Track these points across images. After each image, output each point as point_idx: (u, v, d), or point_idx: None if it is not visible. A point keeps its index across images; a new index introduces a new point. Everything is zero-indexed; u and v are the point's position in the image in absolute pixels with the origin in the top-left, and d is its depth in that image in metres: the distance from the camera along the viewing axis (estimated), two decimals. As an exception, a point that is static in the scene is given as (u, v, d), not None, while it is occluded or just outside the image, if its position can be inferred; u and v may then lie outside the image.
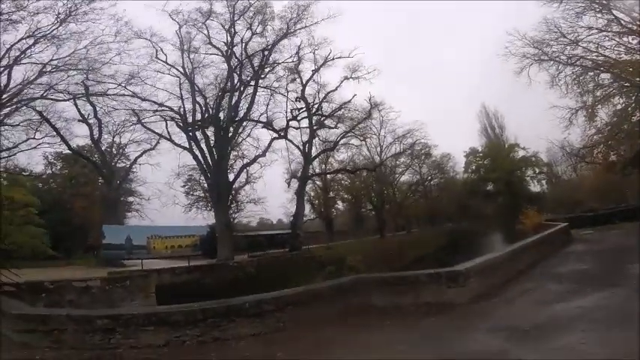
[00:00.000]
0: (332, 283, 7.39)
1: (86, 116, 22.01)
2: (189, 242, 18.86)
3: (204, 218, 29.31)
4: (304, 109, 25.34)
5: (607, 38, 18.43)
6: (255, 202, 30.84)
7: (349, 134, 27.46)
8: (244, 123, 23.16)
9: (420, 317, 6.18)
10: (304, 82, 25.58)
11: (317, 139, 27.56)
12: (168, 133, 22.40)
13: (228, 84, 21.86)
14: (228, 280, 16.00)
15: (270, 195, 31.10)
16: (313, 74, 25.30)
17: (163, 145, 23.77)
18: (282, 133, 24.36)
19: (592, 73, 18.45)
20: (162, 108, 21.99)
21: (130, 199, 29.59)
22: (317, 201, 39.36)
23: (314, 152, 27.25)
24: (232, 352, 5.26)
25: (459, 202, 55.75)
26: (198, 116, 22.04)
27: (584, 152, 20.87)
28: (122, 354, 4.96)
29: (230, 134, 21.90)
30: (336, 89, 25.24)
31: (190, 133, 21.39)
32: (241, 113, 22.46)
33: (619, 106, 18.23)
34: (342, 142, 28.57)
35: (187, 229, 20.36)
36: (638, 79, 16.93)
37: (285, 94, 24.81)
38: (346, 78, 24.89)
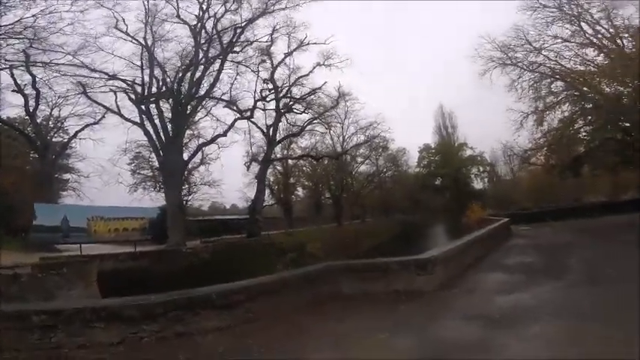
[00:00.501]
0: (302, 271, 7.08)
1: (23, 86, 19.85)
2: (137, 225, 17.00)
3: (151, 200, 27.18)
4: (272, 91, 24.26)
5: (567, 48, 20.10)
6: (210, 185, 29.40)
7: (315, 121, 27.00)
8: (205, 100, 21.52)
9: (391, 305, 6.15)
10: (275, 65, 24.54)
11: (281, 123, 26.69)
12: (118, 106, 20.26)
13: (192, 59, 20.06)
14: (180, 268, 14.89)
15: (225, 178, 29.70)
16: (286, 57, 24.35)
17: (109, 120, 21.53)
18: (249, 114, 23.10)
19: (548, 80, 19.98)
20: (114, 79, 19.71)
21: (67, 176, 26.20)
22: (277, 186, 38.57)
23: (278, 136, 26.34)
24: (200, 347, 4.73)
25: (411, 194, 58.75)
26: (156, 91, 20.10)
27: (529, 154, 22.77)
28: (68, 354, 4.18)
29: (188, 111, 20.19)
30: (308, 74, 24.60)
31: (144, 107, 19.34)
32: (203, 92, 20.82)
33: (566, 114, 20.05)
34: (307, 128, 28.07)
35: (135, 211, 18.42)
36: (585, 88, 18.68)
37: (255, 73, 23.60)
38: (319, 64, 24.27)
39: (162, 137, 19.62)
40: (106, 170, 22.58)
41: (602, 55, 19.53)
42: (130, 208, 19.39)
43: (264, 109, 24.64)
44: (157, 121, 19.63)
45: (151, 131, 19.71)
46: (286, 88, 24.92)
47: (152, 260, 14.40)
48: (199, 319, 5.23)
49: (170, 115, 20.56)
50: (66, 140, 23.67)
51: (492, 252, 12.58)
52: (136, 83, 20.13)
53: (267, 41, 23.08)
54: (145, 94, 19.47)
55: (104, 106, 20.28)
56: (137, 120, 19.91)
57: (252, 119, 25.35)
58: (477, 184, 57.46)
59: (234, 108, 22.91)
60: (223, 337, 5.07)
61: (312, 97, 25.14)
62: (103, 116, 21.32)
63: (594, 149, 20.16)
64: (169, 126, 19.64)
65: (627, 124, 18.52)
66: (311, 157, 31.14)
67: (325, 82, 24.74)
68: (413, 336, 4.80)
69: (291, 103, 25.13)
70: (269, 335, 5.11)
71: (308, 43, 23.45)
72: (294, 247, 21.27)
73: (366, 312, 5.94)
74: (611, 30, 18.84)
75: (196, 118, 22.50)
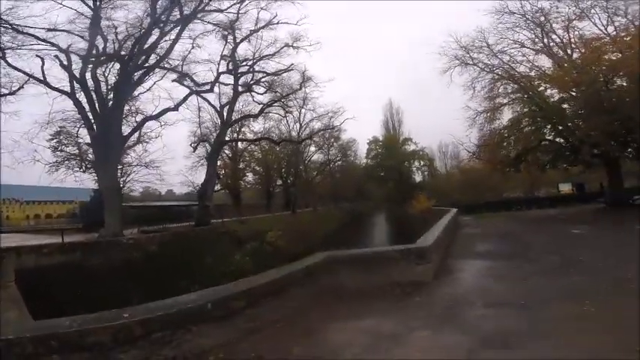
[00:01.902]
0: (304, 264, 6.14)
1: None
2: (64, 210, 13.83)
3: (76, 182, 22.94)
4: (230, 70, 21.99)
5: (521, 54, 21.64)
6: (149, 166, 25.96)
7: (275, 104, 25.33)
8: (152, 72, 18.48)
9: (403, 298, 5.85)
10: (237, 41, 22.20)
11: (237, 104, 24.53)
12: (44, 74, 16.49)
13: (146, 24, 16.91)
14: (122, 263, 12.65)
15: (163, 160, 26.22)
16: (252, 33, 22.02)
17: (28, 91, 17.31)
18: (208, 87, 20.56)
19: (502, 82, 21.40)
20: (45, 43, 15.89)
21: None
22: (224, 171, 36.05)
23: (233, 118, 24.13)
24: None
25: (358, 185, 60.59)
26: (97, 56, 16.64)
27: (478, 149, 24.46)
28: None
29: (132, 82, 17.13)
30: (274, 54, 22.64)
31: (79, 75, 15.91)
32: (153, 61, 17.83)
33: (514, 114, 21.82)
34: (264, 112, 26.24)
35: (62, 192, 14.98)
36: (532, 92, 20.39)
37: (216, 46, 21.01)
38: (287, 45, 22.47)
39: (98, 109, 16.42)
40: (20, 146, 18.19)
41: (551, 62, 21.56)
42: (56, 188, 15.80)
43: (226, 84, 22.28)
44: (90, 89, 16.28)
45: (84, 102, 16.41)
46: (248, 66, 22.77)
47: (86, 254, 11.88)
48: (192, 337, 3.98)
49: (108, 85, 17.41)
50: None
51: (455, 241, 13.11)
52: (66, 50, 16.47)
53: (232, 14, 20.63)
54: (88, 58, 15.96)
55: (26, 74, 16.31)
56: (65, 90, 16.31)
57: (203, 96, 22.92)
58: (418, 177, 61.25)
59: (188, 81, 20.26)
60: (226, 356, 3.98)
61: (275, 78, 23.41)
62: (22, 86, 17.02)
63: (534, 148, 22.31)
64: (109, 97, 16.47)
65: (563, 128, 20.83)
66: (271, 140, 29.59)
67: (292, 64, 23.16)
68: (458, 331, 4.32)
69: (252, 82, 23.08)
70: (282, 347, 4.16)
71: (278, 22, 21.53)
72: (253, 237, 19.86)
73: (380, 307, 5.41)
74: (565, 40, 20.76)
75: (140, 90, 19.37)
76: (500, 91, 22.07)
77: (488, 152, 23.51)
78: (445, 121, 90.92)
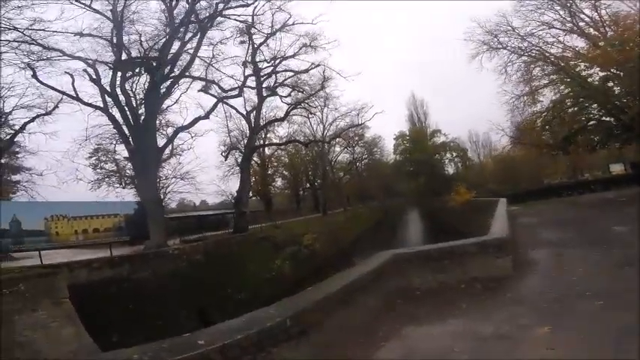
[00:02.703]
0: (371, 266, 5.55)
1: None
2: (110, 224, 14.08)
3: (117, 197, 23.89)
4: (254, 74, 21.92)
5: (550, 35, 20.17)
6: (184, 178, 26.50)
7: (300, 106, 25.02)
8: (177, 85, 18.72)
9: (488, 294, 5.33)
10: (255, 46, 22.10)
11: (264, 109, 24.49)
12: (75, 90, 16.77)
13: (167, 34, 17.13)
14: (169, 273, 12.65)
15: (194, 172, 26.63)
16: (268, 37, 21.85)
17: (63, 109, 17.82)
18: (237, 92, 20.58)
19: (540, 64, 20.00)
20: (73, 59, 16.31)
21: (17, 177, 21.56)
22: (254, 178, 36.28)
23: (261, 123, 24.07)
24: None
25: (386, 181, 59.26)
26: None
27: (520, 135, 22.93)
28: None
29: (162, 92, 17.37)
30: (293, 56, 22.39)
31: (109, 89, 16.26)
32: (178, 72, 18.05)
33: (555, 96, 20.29)
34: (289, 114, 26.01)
35: (107, 206, 15.34)
36: (572, 72, 18.88)
37: (235, 55, 21.06)
38: (305, 45, 22.11)
39: (132, 122, 16.73)
40: (62, 165, 18.88)
41: (584, 42, 20.01)
42: (101, 202, 16.26)
43: (252, 87, 22.20)
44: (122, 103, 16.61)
45: (118, 116, 16.77)
46: (270, 70, 22.63)
47: (135, 265, 11.95)
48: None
49: (137, 100, 17.77)
50: (10, 136, 19.36)
51: (515, 231, 12.13)
52: (93, 64, 16.83)
53: (247, 21, 20.56)
54: (103, 77, 16.34)
55: (59, 91, 16.67)
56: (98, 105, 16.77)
57: (230, 103, 23.05)
58: (450, 169, 58.91)
59: (213, 90, 20.37)
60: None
61: (298, 79, 23.10)
62: (57, 105, 17.49)
63: (582, 129, 20.64)
64: (139, 111, 16.81)
65: (611, 106, 19.12)
66: (299, 142, 29.27)
67: (313, 64, 22.80)
68: (584, 325, 3.77)
69: (275, 85, 22.88)
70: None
71: (293, 23, 21.23)
72: (289, 240, 19.56)
73: (465, 306, 4.89)
74: (596, 18, 19.20)
75: (167, 103, 19.72)
76: (535, 73, 20.69)
77: (533, 136, 21.95)
78: (473, 111, 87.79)
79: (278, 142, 32.04)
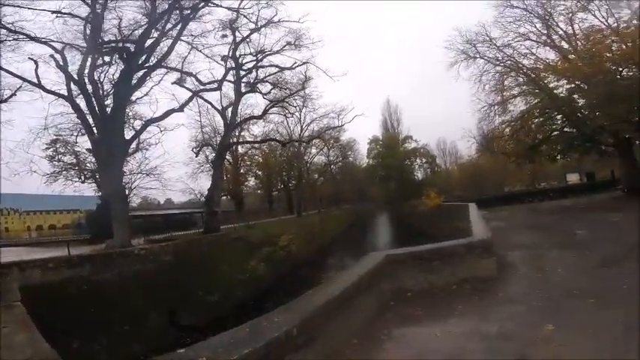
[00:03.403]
0: (367, 267, 5.34)
1: None
2: (69, 220, 12.67)
3: (75, 192, 21.95)
4: (234, 68, 21.12)
5: (524, 47, 21.32)
6: (150, 174, 24.93)
7: (278, 104, 24.49)
8: (153, 72, 17.58)
9: (480, 295, 5.39)
10: (237, 41, 21.23)
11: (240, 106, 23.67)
12: (38, 77, 15.47)
13: (146, 23, 16.03)
14: (136, 275, 11.68)
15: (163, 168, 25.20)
16: (251, 33, 21.03)
17: (20, 97, 16.27)
18: (216, 85, 19.64)
19: (512, 74, 21.05)
20: (39, 42, 15.02)
21: None
22: (226, 177, 35.08)
23: (236, 119, 23.18)
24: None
25: (358, 185, 60.02)
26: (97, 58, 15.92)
27: (488, 143, 24.00)
28: None
29: (134, 82, 16.20)
30: (278, 52, 21.64)
31: (76, 76, 14.99)
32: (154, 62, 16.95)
33: (524, 106, 21.47)
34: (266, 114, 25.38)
35: (65, 201, 13.79)
36: (542, 83, 20.02)
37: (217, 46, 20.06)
38: (289, 43, 21.41)
39: (98, 112, 15.47)
40: (15, 156, 17.10)
41: (555, 54, 21.34)
42: (59, 196, 14.62)
43: (232, 82, 21.33)
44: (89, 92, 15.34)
45: (83, 106, 15.46)
46: (252, 65, 21.92)
47: (97, 267, 10.88)
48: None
49: (104, 90, 16.51)
50: None
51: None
52: (73, 45, 15.64)
53: (231, 15, 19.79)
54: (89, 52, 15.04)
55: (20, 77, 15.23)
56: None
57: (205, 98, 22.11)
58: (419, 175, 60.74)
59: (189, 83, 19.35)
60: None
61: (279, 77, 22.60)
62: (14, 93, 15.86)
63: (547, 139, 21.95)
64: (114, 97, 15.64)
65: (575, 118, 20.50)
66: (277, 141, 28.66)
67: (298, 62, 22.30)
68: (585, 322, 3.86)
69: (256, 81, 22.20)
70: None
71: (279, 21, 20.54)
72: (264, 241, 18.96)
73: (460, 307, 4.91)
74: (569, 32, 20.51)
75: (137, 95, 18.48)
76: (508, 83, 21.86)
77: (501, 144, 23.06)
78: (444, 118, 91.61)
79: (254, 140, 31.21)
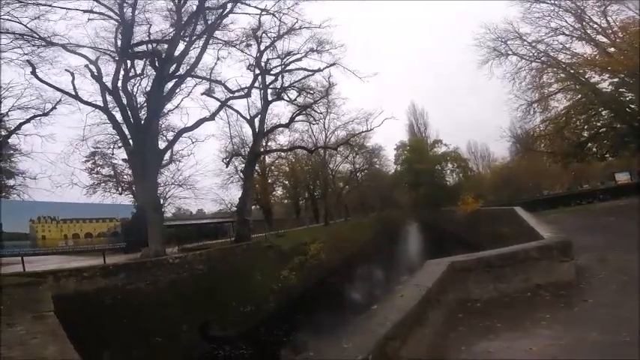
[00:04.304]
0: (434, 277, 4.61)
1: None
2: (105, 228, 12.73)
3: (112, 204, 22.65)
4: (260, 74, 21.21)
5: (557, 42, 19.94)
6: (183, 185, 25.28)
7: (304, 112, 24.26)
8: (183, 85, 17.98)
9: (564, 302, 4.74)
10: (261, 49, 21.41)
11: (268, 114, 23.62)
12: (75, 88, 16.07)
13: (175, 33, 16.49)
14: (170, 284, 11.43)
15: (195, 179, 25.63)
16: (275, 40, 21.15)
17: (60, 110, 17.15)
18: (246, 92, 19.74)
19: (551, 70, 19.65)
20: (76, 54, 15.71)
21: (11, 182, 20.35)
22: (255, 186, 35.21)
23: (264, 127, 23.16)
24: None
25: (385, 192, 58.44)
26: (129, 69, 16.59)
27: (531, 141, 22.36)
28: None
29: (165, 92, 16.50)
30: (300, 59, 21.61)
31: (111, 87, 15.56)
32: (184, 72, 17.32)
33: (565, 103, 19.90)
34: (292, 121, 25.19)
35: (102, 209, 14.01)
36: (583, 79, 18.54)
37: (242, 52, 20.31)
38: (312, 50, 21.32)
39: (133, 122, 15.80)
40: (57, 168, 17.90)
41: (591, 48, 19.80)
42: (95, 205, 14.89)
43: (259, 88, 21.33)
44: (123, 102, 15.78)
45: (118, 117, 15.93)
46: (278, 71, 21.92)
47: (132, 276, 10.74)
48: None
49: (138, 99, 16.98)
50: (2, 138, 18.26)
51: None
52: (105, 50, 16.20)
53: (251, 25, 20.04)
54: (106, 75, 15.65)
55: (59, 89, 15.94)
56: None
57: (234, 108, 22.31)
58: (452, 179, 58.19)
59: (218, 92, 19.58)
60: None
61: (303, 83, 22.41)
62: (54, 107, 16.77)
63: (596, 136, 20.18)
64: (147, 105, 16.08)
65: (624, 113, 18.70)
66: (304, 148, 28.49)
67: (327, 65, 22.01)
68: None
69: (281, 89, 22.09)
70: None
71: (300, 27, 20.51)
72: (295, 250, 18.39)
73: (547, 317, 4.24)
74: (604, 25, 19.02)
75: (168, 107, 19.01)
76: (546, 80, 20.40)
77: (546, 143, 21.41)
78: (471, 121, 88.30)
79: (282, 148, 31.15)
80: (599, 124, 20.69)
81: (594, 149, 21.40)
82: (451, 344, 3.75)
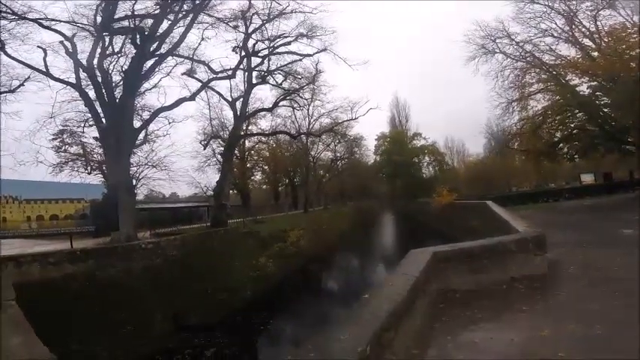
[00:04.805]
0: (420, 266, 4.62)
1: None
2: (72, 210, 11.84)
3: (80, 183, 21.45)
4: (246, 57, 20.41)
5: (544, 43, 20.47)
6: (158, 166, 24.31)
7: (289, 97, 23.73)
8: (162, 65, 17.04)
9: (540, 295, 4.87)
10: (249, 32, 20.54)
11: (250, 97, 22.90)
12: (46, 65, 15.28)
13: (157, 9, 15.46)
14: (143, 271, 10.98)
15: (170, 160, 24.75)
16: (264, 23, 20.27)
17: (28, 87, 16.24)
18: (230, 73, 18.95)
19: (535, 70, 20.20)
20: (50, 30, 14.70)
21: None
22: (233, 170, 34.39)
23: (246, 111, 22.43)
24: None
25: (364, 182, 59.15)
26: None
27: (508, 138, 23.14)
28: None
29: (143, 71, 15.57)
30: (290, 43, 20.96)
31: (86, 64, 14.69)
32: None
33: (549, 102, 20.59)
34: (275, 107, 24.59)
35: (68, 188, 12.98)
36: (564, 81, 19.21)
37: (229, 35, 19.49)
38: (302, 35, 20.64)
39: (107, 100, 14.89)
40: (21, 146, 16.85)
41: (575, 51, 20.51)
42: (62, 184, 13.82)
43: (244, 69, 20.53)
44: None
45: (91, 94, 15.05)
46: (263, 56, 21.17)
47: (101, 261, 10.18)
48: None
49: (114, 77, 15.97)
50: None
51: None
52: (84, 26, 15.16)
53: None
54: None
55: (29, 66, 14.98)
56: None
57: (215, 89, 21.44)
58: (427, 173, 59.69)
59: (200, 73, 18.64)
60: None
61: (291, 67, 21.83)
62: (22, 83, 15.78)
63: (569, 136, 21.09)
64: (124, 83, 15.13)
65: (597, 116, 19.62)
66: (287, 133, 27.98)
67: (310, 54, 21.47)
68: None
69: (266, 72, 21.39)
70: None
71: (292, 11, 19.76)
72: (274, 237, 18.23)
73: (526, 308, 4.38)
74: (592, 29, 19.63)
75: (146, 85, 18.00)
76: (528, 79, 21.08)
77: (522, 141, 22.22)
78: (451, 117, 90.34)
79: (264, 132, 30.52)
80: (572, 125, 21.65)
81: (565, 149, 22.38)
82: (437, 334, 3.79)
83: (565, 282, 5.42)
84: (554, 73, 19.98)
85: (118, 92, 16.26)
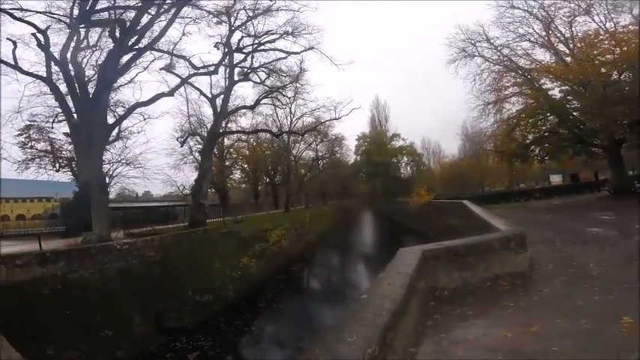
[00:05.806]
0: (412, 264, 4.66)
1: None
2: (41, 210, 11.09)
3: (48, 180, 20.21)
4: (229, 54, 19.94)
5: (520, 48, 21.34)
6: (132, 164, 23.39)
7: (271, 95, 23.44)
8: (139, 60, 16.36)
9: (523, 291, 5.01)
10: (232, 28, 20.08)
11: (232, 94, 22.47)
12: (15, 57, 14.43)
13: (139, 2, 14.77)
14: (118, 273, 10.47)
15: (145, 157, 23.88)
16: (249, 19, 19.91)
17: None
18: (212, 69, 18.38)
19: (511, 74, 21.01)
20: (19, 21, 13.70)
21: None
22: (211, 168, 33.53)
23: (227, 108, 21.92)
24: None
25: (345, 181, 59.61)
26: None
27: (483, 140, 24.02)
28: None
29: (119, 66, 14.81)
30: (274, 41, 20.65)
31: (59, 58, 13.97)
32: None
33: (518, 106, 21.54)
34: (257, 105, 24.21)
35: (36, 186, 12.15)
36: (537, 85, 20.10)
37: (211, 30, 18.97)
38: (287, 33, 20.43)
39: (79, 94, 14.11)
40: None
41: (550, 55, 21.51)
42: (30, 181, 12.92)
43: (226, 66, 20.04)
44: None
45: (62, 89, 14.27)
46: (247, 53, 20.71)
47: (73, 263, 9.60)
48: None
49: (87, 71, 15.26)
50: None
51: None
52: (60, 17, 14.43)
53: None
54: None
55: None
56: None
57: (195, 86, 20.86)
58: (406, 173, 60.89)
59: (180, 69, 18.08)
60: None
61: (274, 65, 21.56)
62: None
63: (541, 138, 22.09)
64: (99, 76, 14.40)
65: (568, 119, 20.69)
66: (269, 132, 27.62)
67: (296, 51, 21.32)
68: None
69: (249, 70, 21.01)
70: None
71: (278, 9, 19.54)
72: (256, 237, 17.95)
73: (511, 304, 4.50)
74: (567, 34, 20.63)
75: (122, 80, 17.27)
76: (504, 83, 21.89)
77: (497, 143, 23.09)
78: (428, 118, 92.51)
79: (245, 130, 30.01)
80: (544, 127, 22.70)
81: (537, 151, 23.44)
82: (431, 332, 3.84)
83: (546, 279, 5.59)
84: (529, 77, 20.86)
85: (91, 87, 15.57)
